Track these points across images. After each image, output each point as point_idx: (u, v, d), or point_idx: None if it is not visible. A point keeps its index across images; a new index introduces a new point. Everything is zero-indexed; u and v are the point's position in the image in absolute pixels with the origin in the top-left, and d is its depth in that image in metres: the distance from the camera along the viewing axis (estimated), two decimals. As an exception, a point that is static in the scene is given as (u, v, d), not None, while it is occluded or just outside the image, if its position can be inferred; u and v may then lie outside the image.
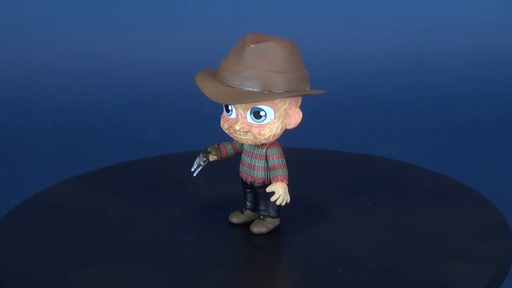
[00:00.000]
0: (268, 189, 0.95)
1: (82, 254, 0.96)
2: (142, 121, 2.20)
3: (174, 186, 1.15)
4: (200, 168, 1.01)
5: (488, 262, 0.91)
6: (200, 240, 0.98)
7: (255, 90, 0.92)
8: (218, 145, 1.01)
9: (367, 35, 2.48)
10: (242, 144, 0.98)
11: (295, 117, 0.95)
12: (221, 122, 0.96)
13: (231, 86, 0.92)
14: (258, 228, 0.99)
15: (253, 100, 0.91)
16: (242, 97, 0.91)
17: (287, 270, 0.94)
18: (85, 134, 2.14)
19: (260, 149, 0.96)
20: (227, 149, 1.00)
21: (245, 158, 0.98)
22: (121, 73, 2.39)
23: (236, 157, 1.01)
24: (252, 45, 0.92)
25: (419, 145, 2.07)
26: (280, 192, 0.94)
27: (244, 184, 0.99)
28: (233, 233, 1.00)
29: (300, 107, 0.96)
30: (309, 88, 0.95)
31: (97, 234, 1.01)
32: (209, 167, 1.01)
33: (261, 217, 0.99)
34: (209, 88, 0.93)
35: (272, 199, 0.95)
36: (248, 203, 1.01)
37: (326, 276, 0.89)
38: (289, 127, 0.96)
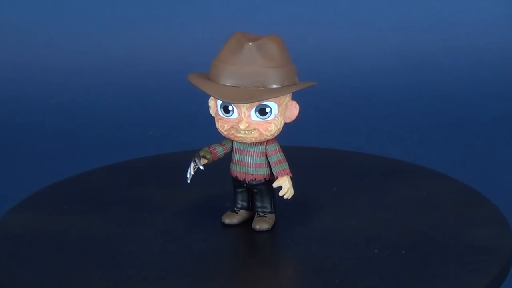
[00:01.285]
0: (275, 185, 0.96)
1: (80, 254, 0.96)
2: (142, 119, 2.20)
3: (174, 185, 1.15)
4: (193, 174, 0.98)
5: (488, 261, 0.91)
6: (199, 242, 0.98)
7: (263, 87, 0.92)
8: (209, 148, 0.99)
9: (367, 34, 2.48)
10: (232, 143, 0.98)
11: (293, 110, 0.97)
12: (219, 124, 0.95)
13: (236, 86, 0.92)
14: (261, 225, 0.99)
15: (269, 97, 0.92)
16: (258, 95, 0.92)
17: (294, 267, 0.94)
18: (85, 133, 2.14)
19: (258, 146, 0.96)
20: (218, 151, 0.99)
21: (239, 157, 0.97)
22: (121, 72, 2.39)
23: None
24: (251, 43, 0.92)
25: (419, 144, 2.07)
26: (288, 186, 0.95)
27: (239, 183, 0.99)
28: (233, 233, 1.00)
29: (300, 106, 0.97)
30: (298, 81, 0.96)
31: (96, 234, 1.01)
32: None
33: (261, 214, 0.99)
34: (218, 90, 0.92)
35: (281, 193, 0.95)
36: (241, 203, 1.00)
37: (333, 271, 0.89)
38: (289, 120, 0.97)
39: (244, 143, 0.96)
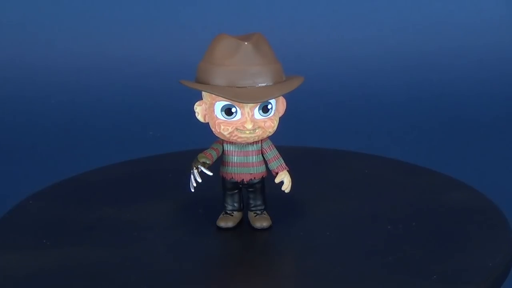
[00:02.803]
0: (278, 180, 0.96)
1: (78, 254, 0.96)
2: (142, 119, 2.20)
3: (173, 186, 1.15)
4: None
5: (488, 261, 0.91)
6: (196, 243, 0.98)
7: (268, 84, 0.92)
8: (205, 154, 0.96)
9: (367, 34, 2.48)
10: (223, 146, 0.97)
11: (283, 104, 0.98)
12: (221, 127, 0.94)
13: (242, 87, 0.92)
14: (261, 222, 0.99)
15: (281, 93, 0.93)
16: (271, 92, 0.92)
17: (296, 268, 0.94)
18: (85, 133, 2.14)
19: (255, 145, 0.96)
20: (213, 155, 0.97)
21: (234, 158, 0.97)
22: (121, 72, 2.39)
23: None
24: (247, 43, 0.92)
25: (419, 143, 2.07)
26: (289, 180, 0.96)
27: (233, 185, 0.98)
28: (230, 235, 0.99)
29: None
30: None
31: (93, 234, 1.01)
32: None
33: (258, 212, 0.99)
34: (233, 93, 0.91)
35: (284, 188, 0.96)
36: (235, 205, 0.99)
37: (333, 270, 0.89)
38: (280, 115, 0.97)
39: (237, 144, 0.96)
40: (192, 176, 0.94)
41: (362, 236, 0.98)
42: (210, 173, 0.95)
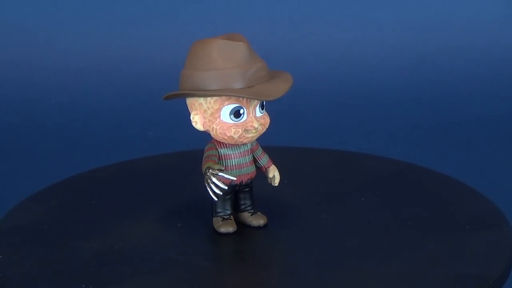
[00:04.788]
0: (271, 175, 0.98)
1: (77, 254, 0.95)
2: (142, 120, 2.20)
3: (174, 185, 1.15)
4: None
5: (488, 261, 0.91)
6: (196, 244, 0.98)
7: (269, 80, 0.93)
8: (212, 160, 0.95)
9: (367, 34, 2.48)
10: (218, 152, 0.95)
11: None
12: (232, 131, 0.93)
13: (252, 86, 0.91)
14: (258, 220, 0.99)
15: (289, 85, 0.93)
16: (283, 87, 0.92)
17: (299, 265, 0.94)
18: (85, 133, 2.14)
19: (246, 145, 0.96)
20: (217, 161, 0.96)
21: (232, 162, 0.96)
22: (121, 72, 2.39)
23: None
24: (242, 43, 0.92)
25: (419, 144, 2.07)
26: (279, 173, 0.98)
27: (232, 189, 0.97)
28: (228, 237, 0.99)
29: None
30: None
31: (93, 234, 1.01)
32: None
33: (252, 211, 0.99)
34: (253, 92, 0.91)
35: (276, 182, 0.97)
36: (230, 209, 0.99)
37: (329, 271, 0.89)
38: None
39: (233, 147, 0.95)
40: (212, 186, 0.93)
41: (361, 236, 0.98)
42: (234, 178, 0.95)
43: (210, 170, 0.93)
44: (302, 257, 0.94)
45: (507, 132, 2.13)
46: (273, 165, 0.99)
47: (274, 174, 0.98)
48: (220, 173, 0.93)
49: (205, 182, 0.93)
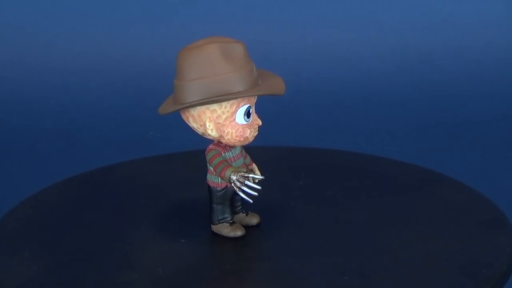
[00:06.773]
0: (258, 171, 0.97)
1: (77, 255, 0.96)
2: (142, 120, 2.20)
3: (174, 185, 1.15)
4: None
5: (489, 260, 0.91)
6: (194, 246, 0.98)
7: (261, 77, 0.93)
8: (230, 163, 0.94)
9: (367, 34, 2.48)
10: (224, 154, 0.95)
11: None
12: (248, 132, 0.92)
13: (259, 85, 0.92)
14: (251, 219, 1.00)
15: (282, 80, 0.93)
16: (280, 82, 0.93)
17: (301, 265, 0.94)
18: (85, 133, 2.14)
19: (239, 146, 0.96)
20: None
21: (236, 164, 0.95)
22: (121, 72, 2.39)
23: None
24: (238, 43, 0.92)
25: (419, 143, 2.07)
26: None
27: (235, 192, 0.96)
28: (224, 238, 0.99)
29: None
30: None
31: (93, 234, 1.01)
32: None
33: (246, 211, 1.00)
34: (263, 89, 0.91)
35: (257, 179, 0.94)
36: (231, 212, 0.98)
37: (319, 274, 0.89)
38: None
39: (233, 149, 0.95)
40: (246, 189, 0.91)
41: (361, 236, 0.98)
42: (262, 177, 0.94)
43: (239, 174, 0.91)
44: (302, 257, 0.94)
45: (507, 132, 2.13)
46: (253, 163, 0.98)
47: (257, 172, 0.97)
48: (251, 175, 0.92)
49: (235, 187, 0.92)
